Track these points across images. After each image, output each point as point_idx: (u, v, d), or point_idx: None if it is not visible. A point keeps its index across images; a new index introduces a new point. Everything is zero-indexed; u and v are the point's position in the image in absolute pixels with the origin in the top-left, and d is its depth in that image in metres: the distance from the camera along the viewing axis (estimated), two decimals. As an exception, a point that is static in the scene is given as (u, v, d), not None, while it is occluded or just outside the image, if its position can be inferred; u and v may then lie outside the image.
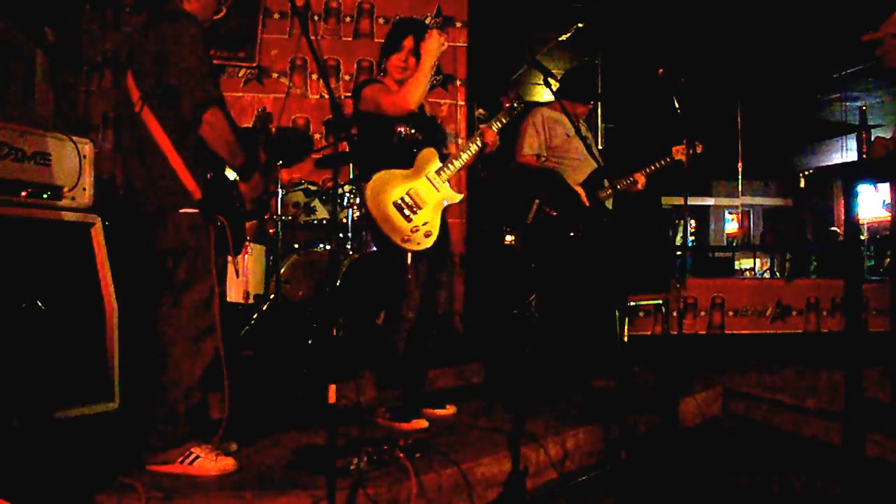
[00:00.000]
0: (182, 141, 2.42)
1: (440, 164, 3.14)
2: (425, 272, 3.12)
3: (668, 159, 4.01)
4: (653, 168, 4.02)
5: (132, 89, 2.45)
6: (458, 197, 3.21)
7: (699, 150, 3.99)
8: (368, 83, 3.18)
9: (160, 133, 2.40)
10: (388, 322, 3.18)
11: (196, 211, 2.42)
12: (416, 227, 3.01)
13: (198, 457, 2.39)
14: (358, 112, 3.18)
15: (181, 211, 2.42)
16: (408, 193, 3.04)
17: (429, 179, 3.10)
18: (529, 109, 4.02)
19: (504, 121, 3.26)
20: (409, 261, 3.05)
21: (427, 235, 3.03)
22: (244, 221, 2.66)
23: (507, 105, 3.28)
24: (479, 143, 3.19)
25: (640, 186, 4.01)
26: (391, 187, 3.03)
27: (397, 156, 3.09)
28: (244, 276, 4.10)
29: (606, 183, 4.00)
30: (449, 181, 3.15)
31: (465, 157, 3.17)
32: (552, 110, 4.00)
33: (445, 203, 3.16)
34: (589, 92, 4.18)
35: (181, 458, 2.38)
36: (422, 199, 3.06)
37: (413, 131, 3.15)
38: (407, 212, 3.02)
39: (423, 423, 3.02)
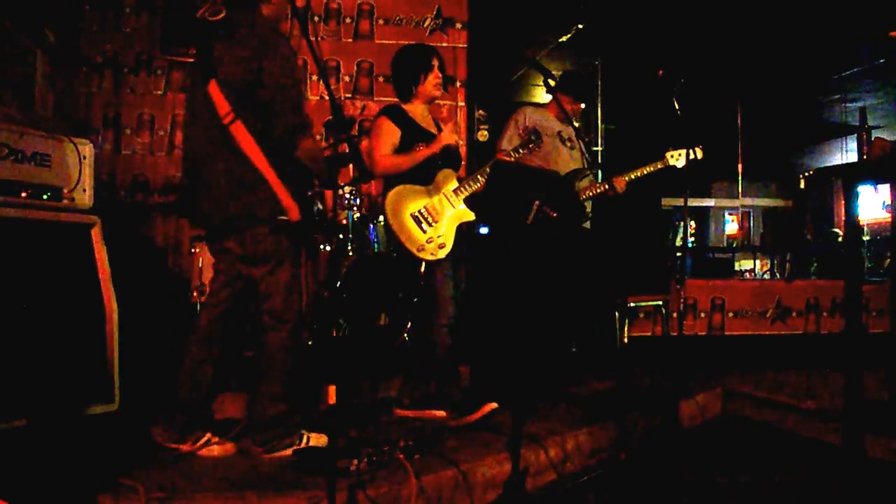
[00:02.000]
0: (275, 157, 2.49)
1: (457, 184, 3.35)
2: (444, 278, 3.31)
3: (658, 164, 3.93)
4: (638, 174, 3.93)
5: (220, 100, 2.46)
6: (472, 216, 3.41)
7: (700, 155, 3.93)
8: (384, 116, 3.32)
9: (252, 147, 2.45)
10: (430, 324, 3.34)
11: (291, 221, 2.53)
12: (430, 238, 3.23)
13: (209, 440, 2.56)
14: None
15: (280, 219, 2.52)
16: (425, 207, 3.26)
17: (446, 196, 3.32)
18: (517, 108, 4.07)
19: (520, 153, 3.48)
20: (422, 268, 3.28)
21: (441, 247, 3.25)
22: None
23: (526, 140, 3.57)
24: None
25: (619, 191, 3.90)
26: (409, 200, 3.25)
27: (417, 172, 3.28)
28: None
29: (587, 183, 3.99)
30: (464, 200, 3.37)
31: (481, 179, 3.35)
32: (539, 109, 4.02)
33: (461, 220, 3.36)
34: (582, 91, 4.16)
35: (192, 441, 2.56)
36: (438, 214, 3.27)
37: None
38: (423, 224, 3.23)
39: (493, 405, 3.17)
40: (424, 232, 3.23)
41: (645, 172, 3.92)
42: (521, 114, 3.98)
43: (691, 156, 3.90)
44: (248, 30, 2.49)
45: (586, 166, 4.01)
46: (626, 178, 3.91)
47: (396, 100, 3.43)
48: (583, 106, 4.19)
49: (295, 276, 2.62)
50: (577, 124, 4.07)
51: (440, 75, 3.38)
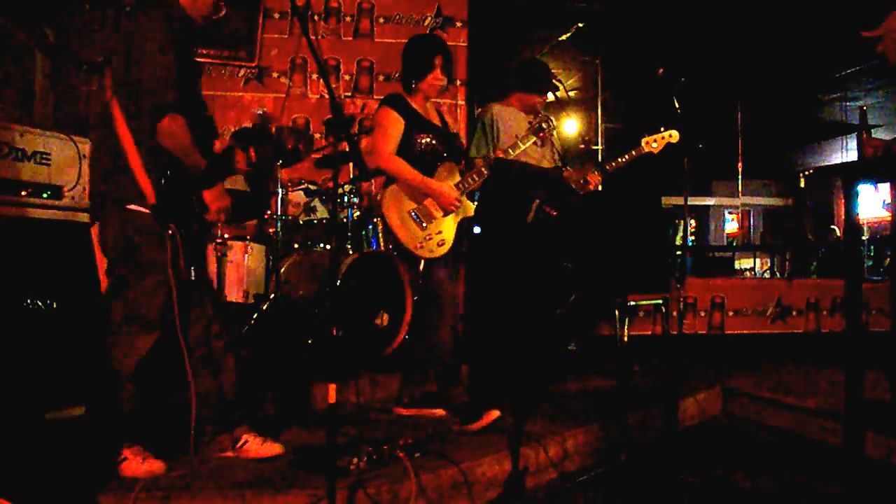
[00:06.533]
0: (141, 140, 2.35)
1: (459, 178, 3.25)
2: (446, 277, 3.24)
3: (634, 152, 3.72)
4: (614, 164, 3.72)
5: (108, 79, 2.40)
6: (473, 209, 3.34)
7: (675, 138, 3.67)
8: (387, 105, 3.21)
9: (124, 129, 2.34)
10: (433, 324, 3.26)
11: (147, 212, 2.35)
12: (429, 235, 3.13)
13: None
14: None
15: (129, 207, 2.35)
16: (424, 203, 3.16)
17: None
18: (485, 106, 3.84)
19: (522, 146, 3.34)
20: (420, 266, 3.19)
21: (440, 244, 3.16)
22: (203, 232, 2.63)
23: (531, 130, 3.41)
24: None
25: (591, 187, 3.70)
26: (408, 196, 3.15)
27: (418, 165, 3.17)
28: (244, 276, 4.10)
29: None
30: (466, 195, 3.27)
31: (483, 174, 3.26)
32: (505, 107, 3.78)
33: (462, 216, 3.28)
34: (541, 83, 3.83)
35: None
36: (438, 210, 3.16)
37: (434, 143, 3.23)
38: (423, 220, 3.14)
39: (496, 413, 2.96)
40: (423, 229, 3.14)
41: (621, 162, 3.72)
42: (487, 115, 3.71)
43: (665, 139, 3.69)
44: (135, 9, 2.41)
45: (558, 162, 3.88)
46: (602, 171, 3.73)
47: (393, 94, 3.31)
48: (549, 97, 3.92)
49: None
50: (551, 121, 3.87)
51: (441, 77, 3.24)
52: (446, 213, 3.19)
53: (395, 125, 3.18)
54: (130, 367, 2.36)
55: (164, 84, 2.32)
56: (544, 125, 3.28)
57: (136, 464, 2.32)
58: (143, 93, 2.32)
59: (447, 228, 3.21)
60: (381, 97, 3.45)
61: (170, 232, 2.35)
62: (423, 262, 3.21)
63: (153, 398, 2.45)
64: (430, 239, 3.14)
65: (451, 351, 3.24)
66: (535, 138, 3.38)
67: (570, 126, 9.42)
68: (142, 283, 2.37)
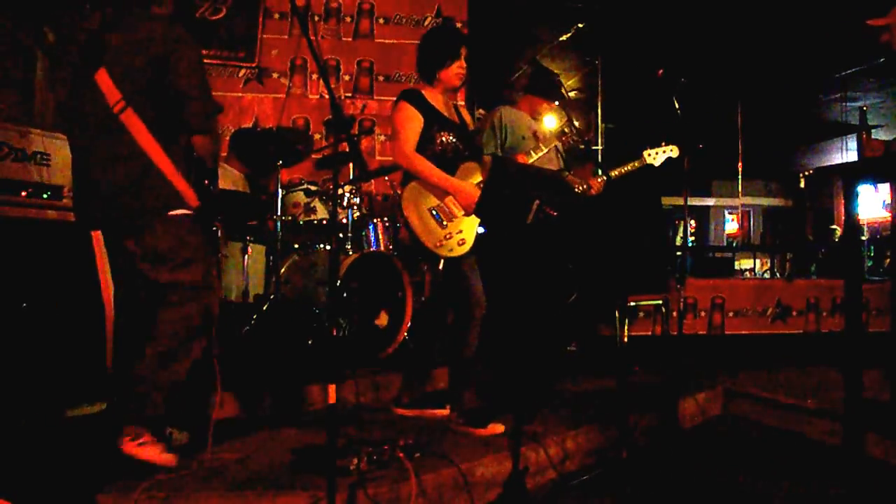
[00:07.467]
0: (172, 145, 2.36)
1: (482, 178, 3.19)
2: (473, 275, 3.16)
3: (636, 163, 3.84)
4: (616, 173, 3.82)
5: (110, 89, 2.33)
6: None
7: (675, 153, 3.80)
8: (405, 101, 3.14)
9: (146, 137, 2.32)
10: (456, 323, 3.20)
11: (190, 213, 2.39)
12: (449, 233, 3.06)
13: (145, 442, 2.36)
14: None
15: (171, 214, 2.36)
16: (445, 201, 3.09)
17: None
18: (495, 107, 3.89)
19: (544, 149, 3.40)
20: (440, 265, 3.13)
21: (461, 243, 3.08)
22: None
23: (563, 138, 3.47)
24: None
25: (594, 192, 3.75)
26: (428, 194, 3.09)
27: (438, 163, 3.10)
28: (245, 276, 4.10)
29: None
30: None
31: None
32: (514, 109, 3.84)
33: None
34: (552, 91, 3.88)
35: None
36: (459, 209, 3.10)
37: (455, 141, 3.17)
38: (442, 219, 3.07)
39: (500, 428, 2.97)
40: (444, 227, 3.06)
41: (622, 172, 3.82)
42: (496, 116, 3.77)
43: (665, 153, 3.81)
44: (142, 19, 2.39)
45: (563, 165, 3.92)
46: (602, 179, 3.79)
47: (410, 89, 3.25)
48: (556, 104, 3.98)
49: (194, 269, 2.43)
50: (559, 123, 3.92)
51: (465, 66, 3.21)
52: (468, 213, 3.12)
53: (413, 121, 3.10)
54: (186, 367, 2.40)
55: (208, 91, 2.38)
56: (566, 129, 3.30)
57: (155, 451, 2.34)
58: (183, 101, 2.34)
59: (468, 228, 3.12)
60: (382, 98, 3.45)
61: (215, 228, 2.45)
62: (443, 260, 3.13)
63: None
64: (450, 238, 3.06)
65: (474, 351, 3.14)
66: (557, 142, 3.39)
67: (569, 126, 9.40)
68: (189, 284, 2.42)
